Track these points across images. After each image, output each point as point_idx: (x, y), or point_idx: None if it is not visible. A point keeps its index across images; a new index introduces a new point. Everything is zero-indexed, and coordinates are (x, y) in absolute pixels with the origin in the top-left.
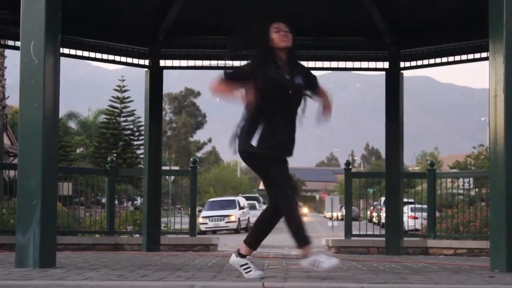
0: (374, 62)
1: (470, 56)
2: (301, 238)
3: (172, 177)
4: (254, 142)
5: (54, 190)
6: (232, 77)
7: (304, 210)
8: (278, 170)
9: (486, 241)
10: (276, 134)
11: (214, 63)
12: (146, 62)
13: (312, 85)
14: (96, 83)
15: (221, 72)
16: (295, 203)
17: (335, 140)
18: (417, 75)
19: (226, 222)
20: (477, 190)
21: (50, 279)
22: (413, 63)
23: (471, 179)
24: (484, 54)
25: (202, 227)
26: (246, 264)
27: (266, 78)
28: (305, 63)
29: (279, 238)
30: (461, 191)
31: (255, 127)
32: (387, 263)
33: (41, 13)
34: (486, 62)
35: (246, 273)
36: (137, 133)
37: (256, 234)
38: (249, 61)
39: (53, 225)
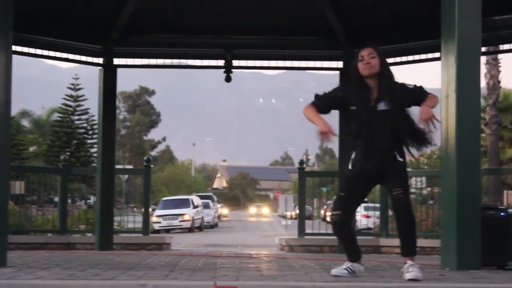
0: (328, 62)
1: (423, 56)
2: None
3: (126, 176)
4: (349, 166)
5: (6, 189)
6: (319, 102)
7: (265, 210)
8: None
9: (437, 240)
10: (362, 157)
11: (168, 61)
12: (100, 60)
13: (416, 100)
14: (49, 81)
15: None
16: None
17: (290, 139)
18: None
19: (180, 221)
20: (429, 189)
21: (0, 278)
22: None
23: (424, 178)
24: (436, 54)
25: (156, 226)
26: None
27: (347, 107)
28: (259, 62)
29: (232, 237)
30: (413, 190)
31: (350, 151)
32: (339, 262)
33: None
34: (439, 62)
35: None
36: (90, 132)
37: None
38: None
39: (4, 224)
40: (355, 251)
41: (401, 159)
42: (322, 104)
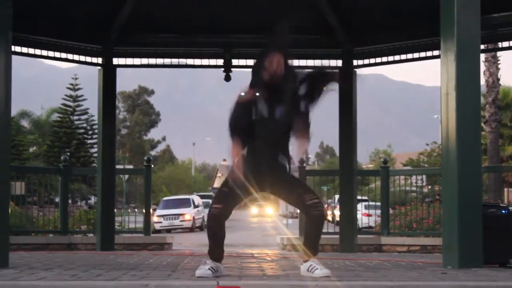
0: (327, 60)
1: (422, 54)
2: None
3: (126, 176)
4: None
5: (6, 190)
6: (236, 135)
7: (268, 210)
8: (223, 188)
9: (439, 238)
10: (252, 157)
11: (167, 61)
12: (99, 60)
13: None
14: (49, 81)
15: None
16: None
17: None
18: (370, 73)
19: (181, 221)
20: (430, 187)
21: (3, 279)
22: (366, 61)
23: (424, 176)
24: (436, 52)
25: (157, 226)
26: (311, 264)
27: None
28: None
29: (233, 236)
30: (414, 188)
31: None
32: (341, 261)
33: None
34: (439, 60)
35: (313, 272)
36: (90, 132)
37: None
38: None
39: (5, 226)
40: (222, 251)
41: (287, 166)
42: (238, 133)
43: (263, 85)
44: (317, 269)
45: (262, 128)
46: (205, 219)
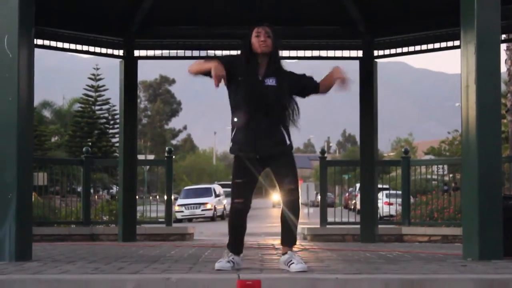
0: (348, 51)
1: (443, 44)
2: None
3: (148, 166)
4: (231, 145)
5: (30, 184)
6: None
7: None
8: (236, 180)
9: (460, 228)
10: (246, 134)
11: (188, 52)
12: (121, 52)
13: (307, 87)
14: (69, 70)
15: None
16: (234, 214)
17: (312, 127)
18: (391, 61)
19: (202, 210)
20: (451, 175)
21: (26, 273)
22: (387, 52)
23: (445, 166)
24: (456, 42)
25: (178, 215)
26: (288, 257)
27: (236, 79)
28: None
29: (254, 226)
30: (435, 177)
31: (233, 128)
32: (361, 252)
33: (14, 7)
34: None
35: (289, 266)
36: (112, 122)
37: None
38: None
39: (28, 218)
40: (242, 244)
41: (288, 142)
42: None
43: (251, 56)
44: (293, 263)
45: (252, 94)
46: (227, 208)
